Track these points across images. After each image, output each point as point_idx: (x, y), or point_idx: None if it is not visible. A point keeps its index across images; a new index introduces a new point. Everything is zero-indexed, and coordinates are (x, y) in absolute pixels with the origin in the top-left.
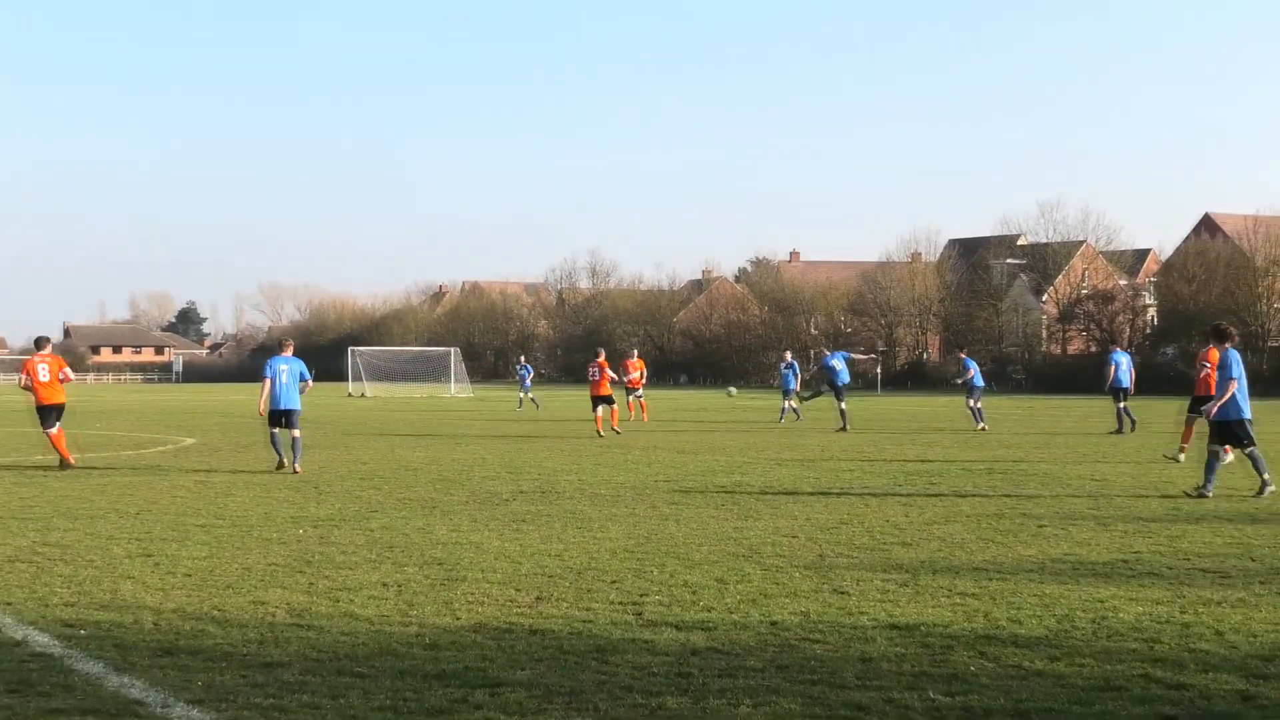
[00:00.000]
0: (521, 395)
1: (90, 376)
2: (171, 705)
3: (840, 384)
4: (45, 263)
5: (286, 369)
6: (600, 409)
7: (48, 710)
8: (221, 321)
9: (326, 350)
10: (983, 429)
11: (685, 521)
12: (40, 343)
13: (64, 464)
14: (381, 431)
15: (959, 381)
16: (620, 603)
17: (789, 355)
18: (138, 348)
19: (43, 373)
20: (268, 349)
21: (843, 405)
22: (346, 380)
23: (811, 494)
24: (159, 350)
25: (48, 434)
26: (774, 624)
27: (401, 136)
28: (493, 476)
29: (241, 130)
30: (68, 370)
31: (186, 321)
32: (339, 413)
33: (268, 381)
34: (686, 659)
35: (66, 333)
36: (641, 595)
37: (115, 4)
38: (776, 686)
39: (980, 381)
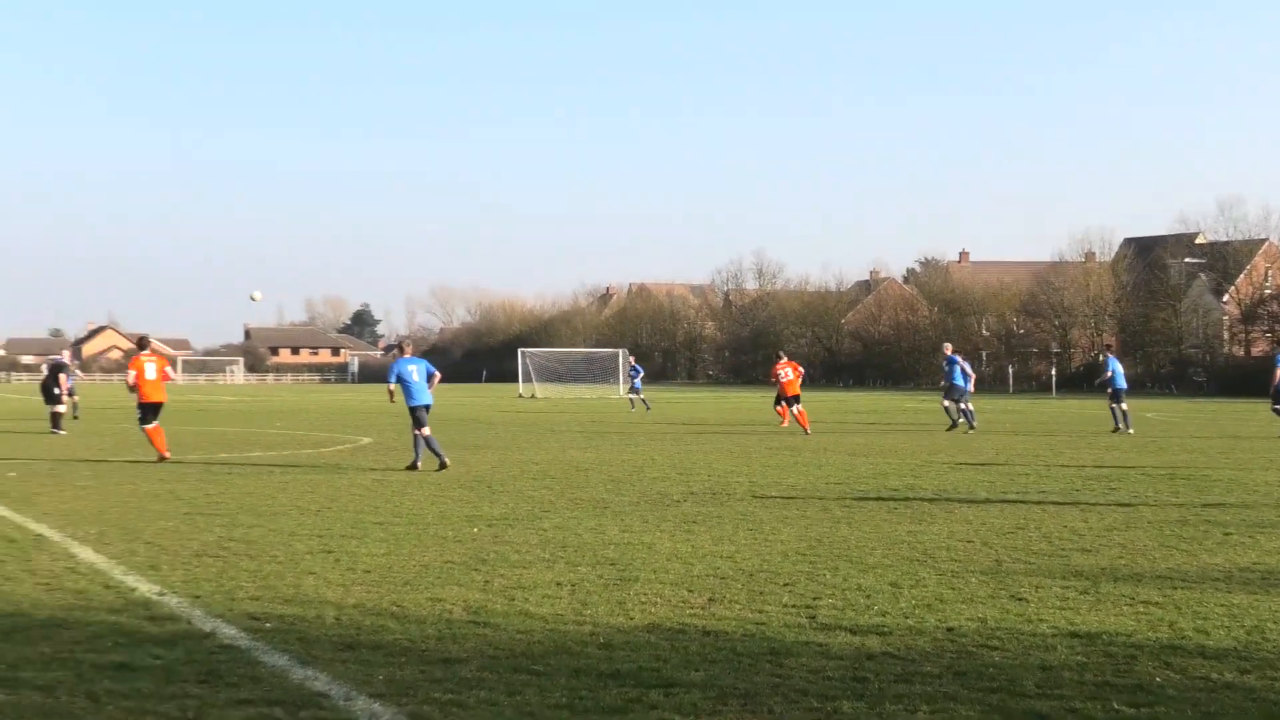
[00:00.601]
0: (632, 396)
1: (270, 376)
2: (354, 698)
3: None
4: (226, 267)
5: (416, 369)
6: (794, 407)
7: (236, 700)
8: (394, 323)
9: (497, 352)
10: (1122, 431)
11: (858, 525)
12: (143, 342)
13: (161, 459)
14: (552, 431)
15: (1097, 382)
16: (793, 605)
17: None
18: (315, 349)
19: (150, 370)
20: (439, 350)
21: (947, 404)
22: (517, 381)
23: (987, 499)
24: (335, 351)
25: (144, 429)
26: (950, 630)
27: (570, 138)
28: (663, 478)
29: (413, 132)
30: (169, 369)
31: (361, 323)
32: (510, 413)
33: (395, 385)
34: (861, 663)
35: (247, 334)
36: (815, 598)
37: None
38: (954, 693)
39: (1123, 383)
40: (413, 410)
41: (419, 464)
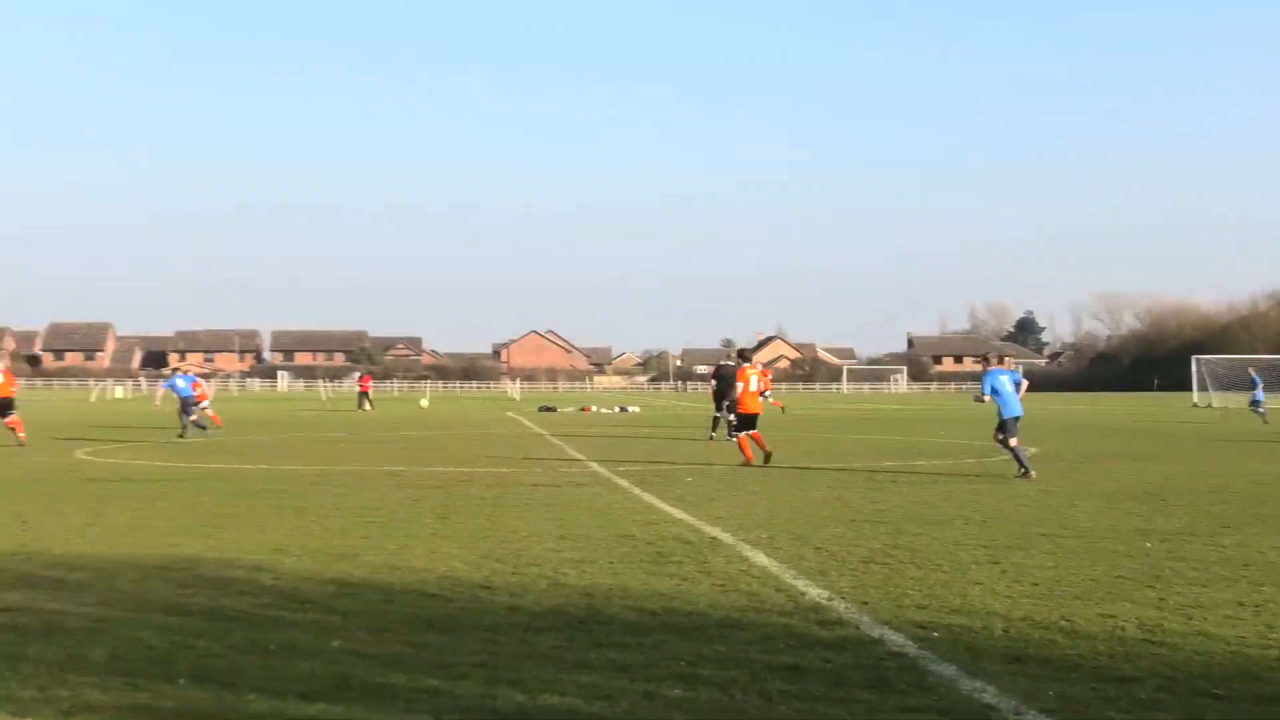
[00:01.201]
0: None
1: (933, 385)
2: (1024, 713)
3: None
4: (891, 275)
5: (1007, 379)
6: None
7: (905, 708)
8: (1059, 331)
9: (1168, 359)
10: None
11: None
12: (744, 355)
13: (746, 463)
14: (1228, 442)
15: None
16: None
17: None
18: (977, 358)
19: (752, 383)
20: (1106, 357)
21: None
22: (1190, 390)
23: None
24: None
25: (735, 437)
26: None
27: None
28: None
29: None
30: (767, 379)
31: (1025, 331)
32: (1184, 424)
33: (989, 397)
34: None
35: (910, 343)
36: None
37: None
38: None
39: None
40: (1005, 421)
41: (1031, 472)
